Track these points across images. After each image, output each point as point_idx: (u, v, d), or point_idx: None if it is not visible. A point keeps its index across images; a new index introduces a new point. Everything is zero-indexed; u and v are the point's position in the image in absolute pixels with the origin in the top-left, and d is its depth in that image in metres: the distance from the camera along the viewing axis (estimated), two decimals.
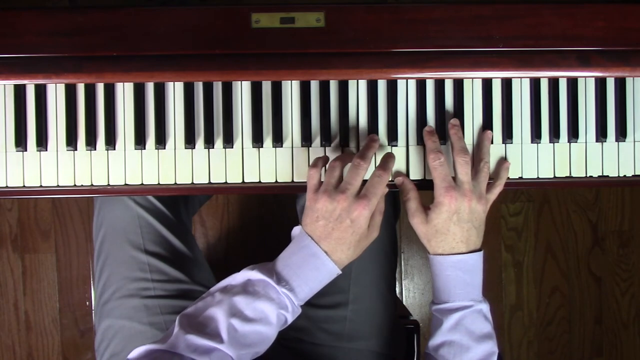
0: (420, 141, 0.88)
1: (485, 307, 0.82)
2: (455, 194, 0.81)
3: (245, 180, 0.87)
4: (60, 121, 0.87)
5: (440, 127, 0.88)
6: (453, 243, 0.82)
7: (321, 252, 0.77)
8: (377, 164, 0.85)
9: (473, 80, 0.89)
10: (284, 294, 0.76)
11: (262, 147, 0.87)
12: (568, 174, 0.90)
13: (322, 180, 0.82)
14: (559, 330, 1.76)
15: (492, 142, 0.88)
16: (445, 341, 0.80)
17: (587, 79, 0.89)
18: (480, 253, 0.83)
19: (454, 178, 0.83)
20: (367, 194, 0.79)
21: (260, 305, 0.74)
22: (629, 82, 0.90)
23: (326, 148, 0.88)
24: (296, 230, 0.81)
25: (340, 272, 0.79)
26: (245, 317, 0.74)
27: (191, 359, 0.70)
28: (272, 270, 0.77)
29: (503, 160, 0.89)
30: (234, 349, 0.72)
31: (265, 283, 0.76)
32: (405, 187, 0.86)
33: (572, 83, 0.90)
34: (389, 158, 0.85)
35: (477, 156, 0.86)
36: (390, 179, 0.88)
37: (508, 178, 0.88)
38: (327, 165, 0.83)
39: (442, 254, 0.82)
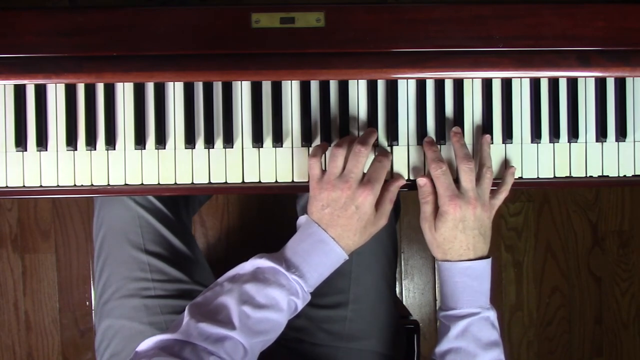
0: (421, 141, 0.88)
1: (492, 315, 0.82)
2: (459, 202, 0.81)
3: (245, 180, 0.87)
4: (60, 121, 0.87)
5: (440, 127, 0.88)
6: (460, 250, 0.82)
7: (329, 238, 0.78)
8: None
9: (473, 80, 0.89)
10: (294, 280, 0.76)
11: (262, 147, 0.88)
12: (568, 174, 0.90)
13: (322, 168, 0.82)
14: (559, 330, 1.76)
15: (492, 142, 0.88)
16: (452, 348, 0.80)
17: (587, 79, 0.89)
18: (488, 260, 0.83)
19: (458, 186, 0.83)
20: (370, 180, 0.80)
21: (271, 291, 0.75)
22: (629, 82, 0.90)
23: (327, 149, 0.88)
24: (302, 219, 0.82)
25: (347, 258, 0.80)
26: (256, 303, 0.74)
27: (203, 348, 0.69)
28: (281, 257, 0.78)
29: (509, 166, 0.89)
30: (246, 336, 0.72)
31: (275, 270, 0.76)
32: (426, 190, 0.85)
33: (572, 83, 0.90)
34: (385, 151, 0.85)
35: (479, 162, 0.86)
36: (405, 178, 0.88)
37: None
38: (329, 153, 0.83)
39: (450, 261, 0.82)
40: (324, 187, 0.80)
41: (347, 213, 0.79)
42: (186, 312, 0.74)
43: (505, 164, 0.89)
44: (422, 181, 0.85)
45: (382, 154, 0.83)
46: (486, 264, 0.83)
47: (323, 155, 0.85)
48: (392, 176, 0.88)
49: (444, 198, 0.82)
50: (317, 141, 0.88)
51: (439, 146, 0.88)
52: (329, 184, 0.80)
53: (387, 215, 0.83)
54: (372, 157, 0.85)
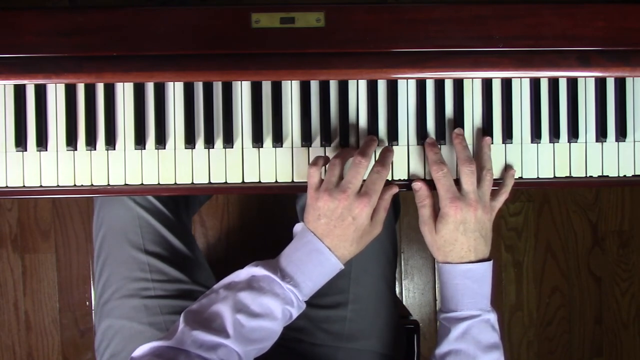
0: (421, 141, 0.88)
1: (493, 317, 0.82)
2: (460, 205, 0.81)
3: (245, 180, 0.87)
4: (60, 121, 0.87)
5: (440, 127, 0.88)
6: (462, 252, 0.82)
7: (324, 248, 0.78)
8: (376, 159, 0.85)
9: (473, 80, 0.89)
10: (289, 290, 0.76)
11: (262, 147, 0.88)
12: (568, 174, 0.90)
13: (322, 178, 0.82)
14: (559, 330, 1.76)
15: (492, 143, 0.88)
16: (452, 350, 0.80)
17: (587, 79, 0.89)
18: (490, 263, 0.83)
19: (459, 187, 0.83)
20: (367, 191, 0.79)
21: (266, 300, 0.75)
22: (629, 82, 0.90)
23: (326, 148, 0.88)
24: (298, 227, 0.82)
25: (343, 267, 0.80)
26: (251, 312, 0.74)
27: (197, 355, 0.70)
28: (276, 266, 0.78)
29: (509, 168, 0.88)
30: (240, 344, 0.72)
31: (270, 279, 0.76)
32: (422, 194, 0.85)
33: (572, 83, 0.90)
34: (387, 153, 0.85)
35: (479, 165, 0.86)
36: (405, 178, 0.88)
37: None
38: (327, 163, 0.83)
39: (451, 263, 0.82)
40: (321, 196, 0.79)
41: (344, 224, 0.78)
42: (181, 319, 0.74)
43: (505, 165, 0.89)
44: (417, 185, 0.86)
45: (380, 163, 0.83)
46: (487, 266, 0.83)
47: (323, 166, 0.85)
48: (392, 176, 0.88)
49: (445, 200, 0.81)
50: (317, 141, 0.88)
51: (439, 146, 0.88)
52: (326, 193, 0.79)
53: (382, 224, 0.83)
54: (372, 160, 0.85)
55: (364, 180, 0.81)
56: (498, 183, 0.88)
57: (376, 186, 0.80)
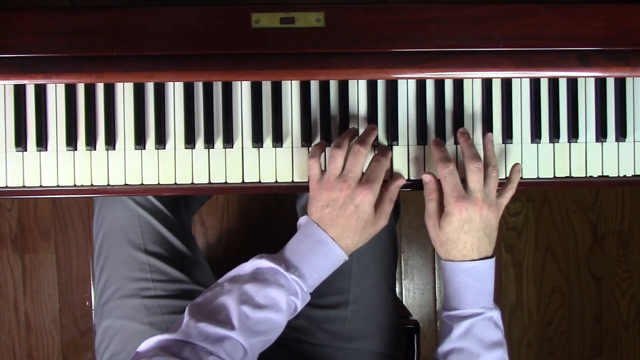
0: (421, 141, 0.88)
1: (496, 315, 0.82)
2: (466, 204, 0.80)
3: (245, 180, 0.87)
4: (60, 121, 0.87)
5: (440, 127, 0.88)
6: (464, 251, 0.81)
7: (328, 239, 0.78)
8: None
9: (473, 80, 0.89)
10: (294, 281, 0.76)
11: (262, 147, 0.88)
12: (568, 174, 0.90)
13: (322, 168, 0.82)
14: (559, 330, 1.76)
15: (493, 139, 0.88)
16: (454, 348, 0.80)
17: (587, 79, 0.89)
18: (492, 260, 0.83)
19: (465, 185, 0.82)
20: (368, 179, 0.80)
21: (271, 292, 0.75)
22: (629, 82, 0.90)
23: (326, 148, 0.88)
24: (302, 220, 0.82)
25: (347, 258, 0.80)
26: (256, 303, 0.74)
27: (203, 348, 0.70)
28: (281, 258, 0.78)
29: (514, 164, 0.88)
30: (245, 336, 0.72)
31: (275, 270, 0.76)
32: (431, 187, 0.85)
33: (572, 83, 0.90)
34: (385, 149, 0.85)
35: (484, 161, 0.85)
36: (405, 178, 0.88)
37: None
38: (328, 152, 0.83)
39: (454, 261, 0.82)
40: (323, 187, 0.80)
41: (346, 213, 0.79)
42: (186, 312, 0.74)
43: (506, 164, 0.89)
44: (427, 177, 0.85)
45: (380, 153, 0.83)
46: (490, 263, 0.83)
47: (322, 155, 0.85)
48: (391, 176, 0.88)
49: (450, 199, 0.81)
50: (317, 141, 0.88)
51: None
52: (328, 184, 0.80)
53: (387, 216, 0.83)
54: (372, 154, 0.85)
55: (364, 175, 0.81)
56: (501, 183, 0.88)
57: (376, 174, 0.81)
